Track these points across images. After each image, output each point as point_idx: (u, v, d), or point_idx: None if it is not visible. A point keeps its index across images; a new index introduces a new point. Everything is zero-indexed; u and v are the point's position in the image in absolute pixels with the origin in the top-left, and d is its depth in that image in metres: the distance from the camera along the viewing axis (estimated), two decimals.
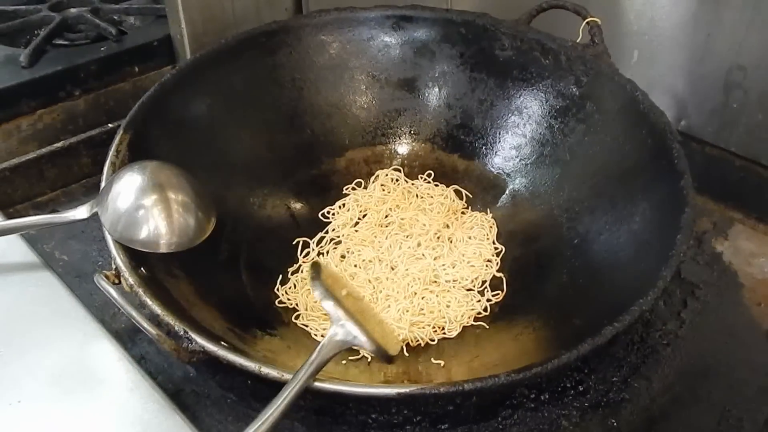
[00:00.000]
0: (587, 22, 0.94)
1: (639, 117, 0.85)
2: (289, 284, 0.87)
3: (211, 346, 0.63)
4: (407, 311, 0.82)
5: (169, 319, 0.64)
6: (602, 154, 0.89)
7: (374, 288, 0.86)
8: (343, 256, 0.90)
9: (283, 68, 1.01)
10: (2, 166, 0.97)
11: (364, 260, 0.89)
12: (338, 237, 0.93)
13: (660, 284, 0.66)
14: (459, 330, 0.81)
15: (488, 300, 0.85)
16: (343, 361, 0.76)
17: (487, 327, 0.82)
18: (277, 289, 0.86)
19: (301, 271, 0.88)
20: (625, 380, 0.73)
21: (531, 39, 0.96)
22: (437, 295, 0.84)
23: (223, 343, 0.64)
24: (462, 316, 0.83)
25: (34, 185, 1.00)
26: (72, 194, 1.01)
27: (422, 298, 0.84)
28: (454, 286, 0.86)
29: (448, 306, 0.83)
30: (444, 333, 0.81)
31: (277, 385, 0.60)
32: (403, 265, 0.88)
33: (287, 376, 0.60)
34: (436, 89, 1.03)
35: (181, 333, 0.63)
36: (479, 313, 0.83)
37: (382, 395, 0.61)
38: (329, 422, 0.69)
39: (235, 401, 0.71)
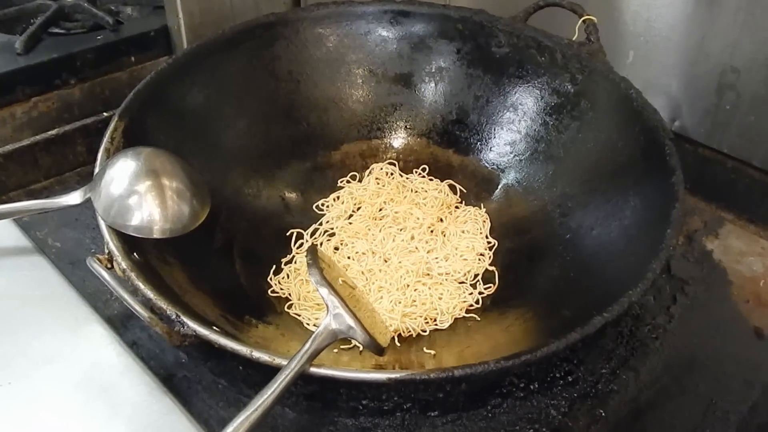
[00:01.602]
0: (583, 20, 0.94)
1: (632, 114, 0.86)
2: (282, 274, 0.87)
3: (202, 330, 0.63)
4: (399, 302, 0.83)
5: (161, 303, 0.64)
6: (596, 150, 0.89)
7: (367, 279, 0.86)
8: (336, 248, 0.91)
9: (280, 60, 1.01)
10: None
11: (357, 252, 0.90)
12: (332, 229, 0.93)
13: (649, 276, 0.67)
14: (451, 321, 0.82)
15: (480, 293, 0.85)
16: (335, 350, 0.76)
17: (479, 319, 0.82)
18: (270, 279, 0.86)
19: (295, 262, 0.88)
20: (613, 372, 0.74)
21: (527, 36, 0.97)
22: (429, 288, 0.85)
23: (215, 327, 0.65)
24: (454, 308, 0.83)
25: (28, 173, 1.00)
26: (66, 182, 1.01)
27: (415, 290, 0.84)
28: (446, 279, 0.87)
29: (440, 298, 0.84)
30: (436, 324, 0.82)
31: (269, 370, 0.60)
32: (396, 257, 0.88)
33: (278, 361, 0.60)
34: (432, 84, 1.04)
35: (173, 317, 0.63)
36: (471, 305, 0.84)
37: (374, 380, 0.61)
38: (320, 408, 0.69)
39: (227, 387, 0.71)
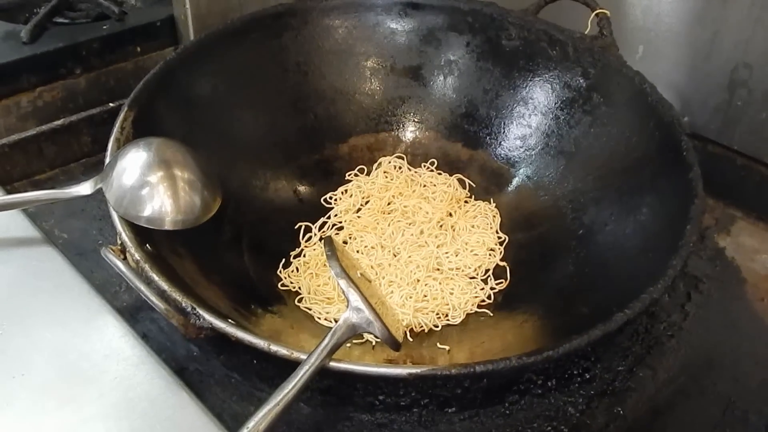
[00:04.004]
0: (596, 14, 0.94)
1: (647, 109, 0.85)
2: (292, 267, 0.86)
3: (219, 323, 0.62)
4: (410, 297, 0.82)
5: (176, 295, 0.63)
6: (608, 145, 0.89)
7: (377, 274, 0.85)
8: (345, 242, 0.90)
9: (288, 51, 1.00)
10: (1, 143, 0.95)
11: (366, 246, 0.89)
12: (340, 222, 0.92)
13: (670, 273, 0.66)
14: (463, 317, 0.81)
15: (492, 288, 0.84)
16: (348, 345, 0.75)
17: (491, 314, 0.81)
18: (280, 272, 0.85)
19: (304, 255, 0.88)
20: (630, 369, 0.73)
21: (538, 29, 0.96)
22: (440, 283, 0.84)
23: (230, 320, 0.64)
24: (465, 303, 0.82)
25: (33, 163, 0.98)
26: (71, 173, 1.00)
27: (425, 285, 0.84)
28: (457, 274, 0.86)
29: (451, 293, 0.83)
30: (448, 320, 0.81)
31: (283, 364, 0.60)
32: (406, 252, 0.88)
33: (297, 355, 0.60)
34: (442, 78, 1.03)
35: (189, 309, 0.63)
36: (482, 301, 0.83)
37: (394, 375, 0.60)
38: (335, 403, 0.68)
39: (240, 381, 0.70)
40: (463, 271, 0.86)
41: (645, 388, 0.72)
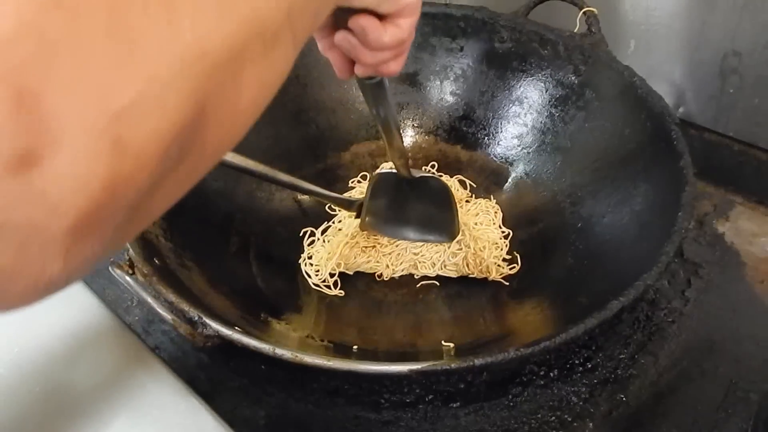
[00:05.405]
0: (584, 12, 0.95)
1: (637, 102, 0.86)
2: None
3: (225, 330, 0.63)
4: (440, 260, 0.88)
5: (183, 306, 0.65)
6: (603, 139, 0.90)
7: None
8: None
9: None
10: None
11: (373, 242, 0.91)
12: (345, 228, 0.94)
13: (663, 260, 0.67)
14: (491, 274, 0.85)
15: (510, 266, 0.88)
16: (354, 348, 0.77)
17: (515, 287, 0.84)
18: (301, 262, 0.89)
19: (310, 257, 0.90)
20: (632, 357, 0.74)
21: (529, 30, 0.98)
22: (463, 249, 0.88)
23: (236, 328, 0.66)
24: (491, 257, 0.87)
25: None
26: None
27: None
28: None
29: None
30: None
31: (291, 368, 0.61)
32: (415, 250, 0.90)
33: (301, 357, 0.61)
34: (438, 82, 1.05)
35: (196, 318, 0.64)
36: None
37: (396, 372, 0.62)
38: (342, 403, 0.70)
39: (249, 386, 0.72)
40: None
41: (647, 374, 0.73)
